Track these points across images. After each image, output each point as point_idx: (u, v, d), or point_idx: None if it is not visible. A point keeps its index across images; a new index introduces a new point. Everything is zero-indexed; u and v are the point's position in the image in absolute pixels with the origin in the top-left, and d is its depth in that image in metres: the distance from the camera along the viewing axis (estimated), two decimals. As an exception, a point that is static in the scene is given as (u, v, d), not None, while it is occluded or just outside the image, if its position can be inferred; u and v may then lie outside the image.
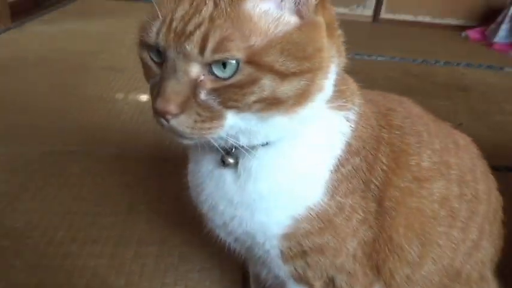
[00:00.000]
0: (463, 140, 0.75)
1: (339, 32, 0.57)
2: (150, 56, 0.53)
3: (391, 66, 2.75)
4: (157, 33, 0.50)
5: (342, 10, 3.93)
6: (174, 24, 0.49)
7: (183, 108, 0.49)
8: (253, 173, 0.59)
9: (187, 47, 0.47)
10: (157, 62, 0.53)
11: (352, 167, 0.61)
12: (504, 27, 3.44)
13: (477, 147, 0.77)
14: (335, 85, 0.56)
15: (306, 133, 0.58)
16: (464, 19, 4.01)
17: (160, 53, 0.52)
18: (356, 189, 0.62)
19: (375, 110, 0.66)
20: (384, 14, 4.15)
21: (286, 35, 0.48)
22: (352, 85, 0.64)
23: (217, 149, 0.57)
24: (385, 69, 2.64)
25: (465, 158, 0.72)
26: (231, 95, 0.49)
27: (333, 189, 0.60)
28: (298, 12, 0.50)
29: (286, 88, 0.49)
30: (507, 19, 3.42)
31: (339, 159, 0.60)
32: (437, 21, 4.09)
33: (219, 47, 0.46)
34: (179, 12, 0.49)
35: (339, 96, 0.59)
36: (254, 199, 0.59)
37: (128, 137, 1.58)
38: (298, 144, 0.58)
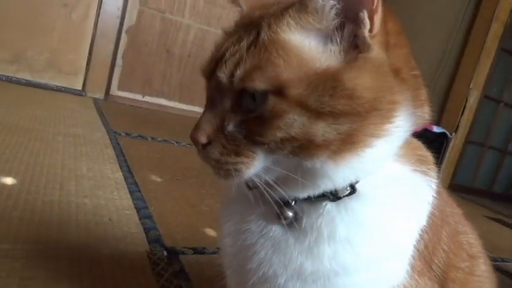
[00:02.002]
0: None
1: (416, 73, 0.52)
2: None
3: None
4: (205, 64, 0.53)
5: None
6: (218, 54, 0.50)
7: (211, 138, 0.50)
8: (326, 234, 0.47)
9: (219, 74, 0.48)
10: None
11: (425, 243, 0.53)
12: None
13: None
14: (413, 147, 0.54)
15: (389, 193, 0.50)
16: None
17: None
18: (424, 270, 0.53)
19: None
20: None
21: (328, 70, 0.44)
22: (429, 152, 0.60)
23: (271, 199, 0.49)
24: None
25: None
26: (255, 128, 0.47)
27: (412, 266, 0.51)
28: (349, 49, 0.46)
29: (322, 129, 0.43)
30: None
31: (421, 232, 0.52)
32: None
33: (247, 75, 0.46)
34: (226, 43, 0.50)
35: (424, 161, 0.55)
36: (337, 272, 0.45)
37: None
38: (380, 206, 0.49)
